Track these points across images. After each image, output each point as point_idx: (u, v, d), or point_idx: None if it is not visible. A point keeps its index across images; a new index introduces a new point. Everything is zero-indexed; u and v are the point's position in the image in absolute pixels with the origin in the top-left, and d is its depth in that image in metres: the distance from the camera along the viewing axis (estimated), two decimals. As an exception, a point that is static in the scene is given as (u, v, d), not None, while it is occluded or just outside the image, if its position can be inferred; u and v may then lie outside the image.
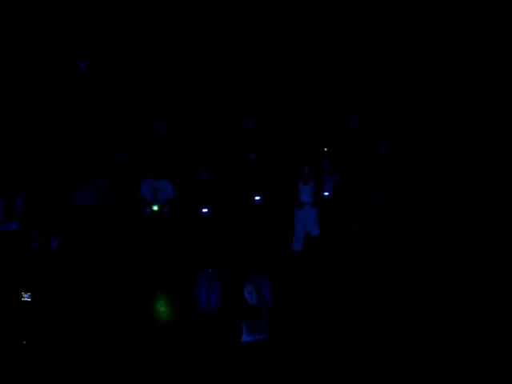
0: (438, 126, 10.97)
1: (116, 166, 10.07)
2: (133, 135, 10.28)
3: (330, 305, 6.16)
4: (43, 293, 6.18)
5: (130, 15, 9.56)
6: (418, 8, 9.55)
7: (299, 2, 9.58)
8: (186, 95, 10.64)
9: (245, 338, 4.38)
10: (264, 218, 9.74)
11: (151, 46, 10.20)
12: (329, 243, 8.59)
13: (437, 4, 9.52)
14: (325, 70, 10.58)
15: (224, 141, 10.63)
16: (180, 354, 4.88)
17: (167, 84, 10.53)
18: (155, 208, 8.16)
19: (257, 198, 9.34)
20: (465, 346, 4.95)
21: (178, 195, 8.43)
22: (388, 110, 11.11)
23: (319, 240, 8.25)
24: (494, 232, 8.84)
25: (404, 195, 10.25)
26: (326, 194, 8.87)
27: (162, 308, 6.36)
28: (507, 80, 10.24)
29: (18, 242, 7.79)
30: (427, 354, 4.79)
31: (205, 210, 8.45)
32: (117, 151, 10.21)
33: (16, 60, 9.66)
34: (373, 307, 5.98)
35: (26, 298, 5.67)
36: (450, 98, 10.85)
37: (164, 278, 7.32)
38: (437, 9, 9.51)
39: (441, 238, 8.90)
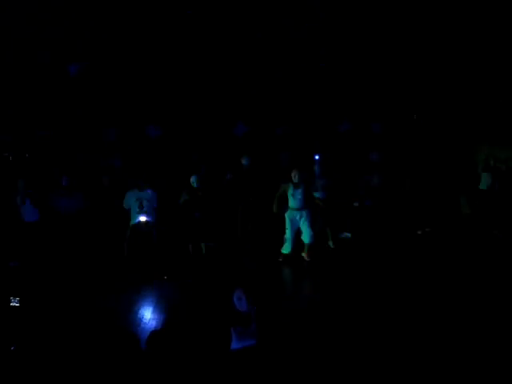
0: (429, 133, 11.11)
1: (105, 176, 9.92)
2: (122, 141, 10.24)
3: (319, 309, 6.17)
4: (32, 298, 6.14)
5: (122, 19, 9.54)
6: (410, 15, 9.63)
7: (289, 8, 9.60)
8: (177, 100, 10.64)
9: (234, 344, 4.36)
10: (255, 223, 9.75)
11: (142, 50, 10.19)
12: (321, 247, 8.63)
13: (428, 11, 9.61)
14: (318, 77, 10.65)
15: (215, 146, 10.66)
16: (169, 362, 4.85)
17: (157, 89, 10.53)
18: None
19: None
20: (456, 350, 4.99)
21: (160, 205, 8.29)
22: (379, 118, 11.23)
23: (311, 246, 8.21)
24: (486, 236, 8.98)
25: (395, 202, 10.34)
26: (318, 195, 8.74)
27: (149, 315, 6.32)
28: (496, 89, 10.41)
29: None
30: (420, 363, 4.81)
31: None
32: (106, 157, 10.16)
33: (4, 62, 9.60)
34: (363, 311, 6.00)
35: (14, 303, 5.61)
36: (441, 105, 10.98)
37: (152, 285, 7.31)
38: (428, 17, 9.60)
39: (432, 243, 9.01)
